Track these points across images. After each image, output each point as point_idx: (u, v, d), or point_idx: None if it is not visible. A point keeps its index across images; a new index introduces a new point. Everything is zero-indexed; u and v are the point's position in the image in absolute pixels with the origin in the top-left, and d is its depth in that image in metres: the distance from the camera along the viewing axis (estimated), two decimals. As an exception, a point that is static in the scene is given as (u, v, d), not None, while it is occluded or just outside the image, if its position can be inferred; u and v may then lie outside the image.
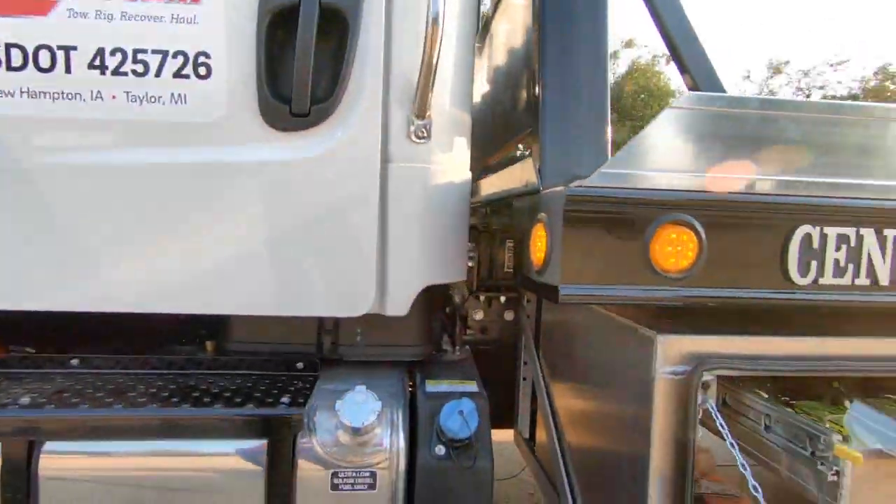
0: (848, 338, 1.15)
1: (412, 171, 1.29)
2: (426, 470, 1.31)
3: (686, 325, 1.16)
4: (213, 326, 1.64)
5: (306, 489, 1.28)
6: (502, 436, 3.57)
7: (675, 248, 1.01)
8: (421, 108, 1.24)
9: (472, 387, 1.53)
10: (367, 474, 1.28)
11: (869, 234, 1.04)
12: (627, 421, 1.23)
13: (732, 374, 1.11)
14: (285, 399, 1.32)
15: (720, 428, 1.10)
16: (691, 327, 1.13)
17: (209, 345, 1.62)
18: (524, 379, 2.24)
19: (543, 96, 1.22)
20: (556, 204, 1.02)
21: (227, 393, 1.36)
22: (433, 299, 1.70)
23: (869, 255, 1.04)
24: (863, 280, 1.05)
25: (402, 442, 1.33)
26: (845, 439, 0.92)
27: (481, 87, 2.67)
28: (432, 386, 1.49)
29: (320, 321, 1.52)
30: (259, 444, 1.27)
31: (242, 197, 1.27)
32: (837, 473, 0.89)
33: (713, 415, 1.12)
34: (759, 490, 1.07)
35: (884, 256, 1.04)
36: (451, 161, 1.38)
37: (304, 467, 1.28)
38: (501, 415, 2.44)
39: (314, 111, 1.23)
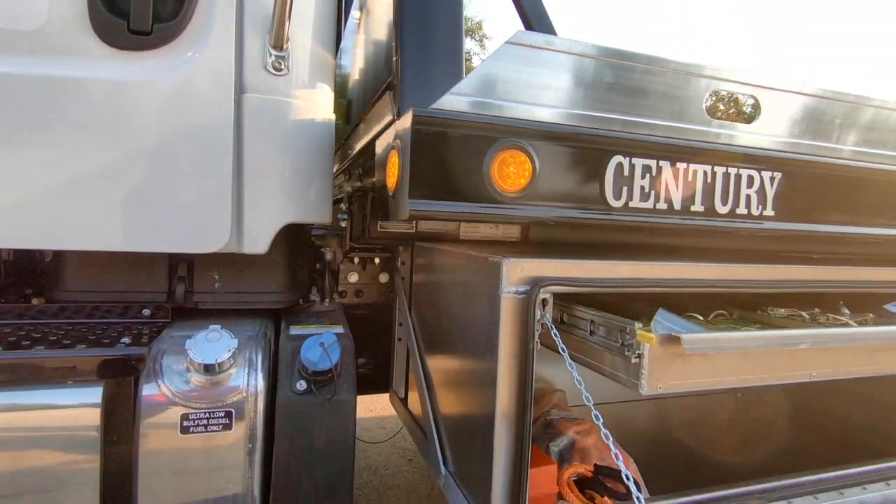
0: (658, 262, 1.37)
1: (269, 103, 1.27)
2: (286, 406, 1.30)
3: (529, 256, 1.30)
4: (44, 280, 1.45)
5: (151, 435, 1.19)
6: (389, 410, 3.61)
7: (512, 171, 1.12)
8: (278, 38, 1.22)
9: (339, 329, 1.54)
10: (222, 414, 1.23)
11: (666, 166, 1.24)
12: (481, 341, 1.33)
13: (564, 291, 1.26)
14: (125, 340, 1.22)
15: (554, 337, 1.24)
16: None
17: (36, 301, 1.43)
18: (399, 340, 2.29)
19: (400, 36, 1.28)
20: (405, 126, 1.08)
21: (57, 338, 1.22)
22: (299, 248, 1.68)
23: (666, 183, 1.25)
24: (661, 204, 1.25)
25: (260, 381, 1.30)
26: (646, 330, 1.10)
27: (360, 62, 2.69)
28: (296, 330, 1.48)
29: (171, 267, 1.43)
30: (95, 389, 1.16)
31: (78, 116, 1.14)
32: (639, 356, 1.06)
33: (550, 329, 1.26)
34: (591, 400, 1.23)
35: (677, 185, 1.26)
36: (313, 99, 1.38)
37: (149, 412, 1.20)
38: (380, 381, 2.48)
39: (157, 31, 1.16)
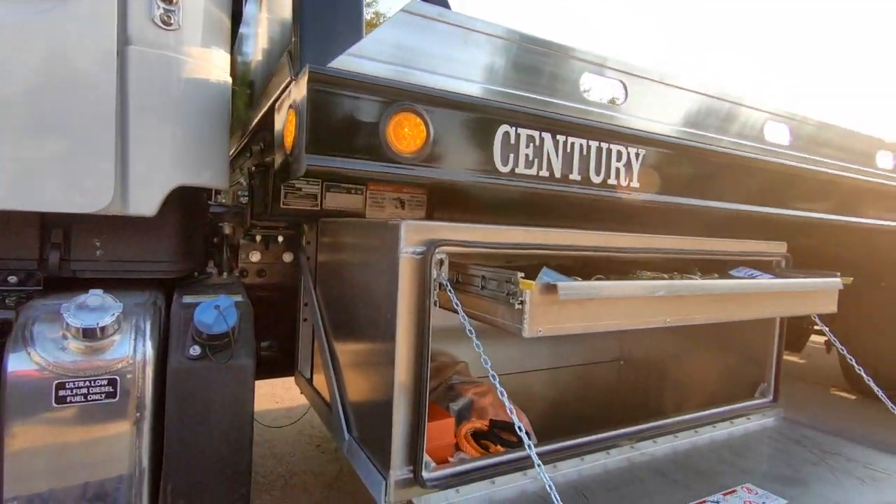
0: (543, 229, 1.51)
1: (157, 58, 1.22)
2: (178, 372, 1.26)
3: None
4: None
5: (20, 407, 1.10)
6: (295, 400, 3.52)
7: (408, 132, 1.18)
8: (166, -10, 1.18)
9: (238, 298, 1.51)
10: (105, 382, 1.17)
11: (548, 138, 1.38)
12: (382, 302, 1.39)
13: (458, 251, 1.35)
14: (-14, 305, 1.11)
15: (449, 294, 1.33)
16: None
17: None
18: (304, 320, 2.27)
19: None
20: (302, 85, 1.10)
21: None
22: (194, 216, 1.61)
23: (548, 153, 1.38)
24: (544, 172, 1.38)
25: (149, 349, 1.25)
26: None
27: (262, 42, 2.62)
28: (190, 299, 1.43)
29: (42, 233, 1.31)
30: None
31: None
32: (522, 303, 1.18)
33: (446, 287, 1.35)
34: (488, 362, 1.33)
35: (557, 155, 1.40)
36: (207, 59, 1.34)
37: (17, 384, 1.10)
38: (285, 364, 2.43)
39: (27, -31, 1.07)
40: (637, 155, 1.55)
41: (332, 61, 1.10)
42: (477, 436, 1.66)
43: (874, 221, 2.40)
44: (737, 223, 2.07)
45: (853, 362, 2.05)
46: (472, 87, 1.29)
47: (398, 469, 1.35)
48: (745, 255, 2.03)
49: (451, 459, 1.49)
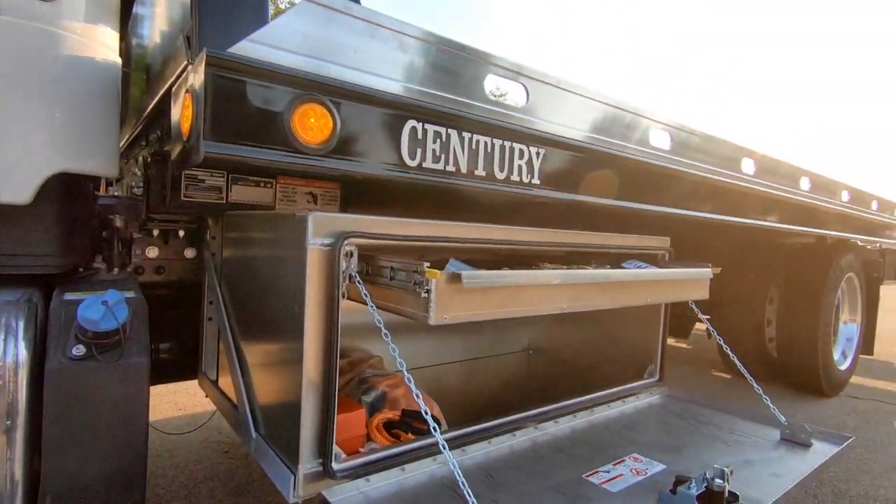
0: (450, 222, 1.57)
1: (27, 30, 1.12)
2: (57, 374, 1.15)
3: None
4: None
5: None
6: (200, 407, 3.31)
7: (314, 123, 1.18)
8: (41, -42, 1.08)
9: (130, 294, 1.41)
10: (-34, 388, 1.05)
11: (454, 134, 1.44)
12: (290, 295, 1.37)
13: (367, 243, 1.37)
14: None
15: (358, 285, 1.34)
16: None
17: None
18: (209, 319, 2.16)
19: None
20: (199, 68, 1.06)
21: None
22: (77, 207, 1.48)
23: (454, 149, 1.44)
24: (450, 167, 1.44)
25: (22, 350, 1.14)
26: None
27: (160, 26, 2.44)
28: (73, 296, 1.31)
29: None
30: None
31: None
32: (428, 291, 1.22)
33: (355, 278, 1.36)
34: (397, 350, 1.36)
35: (463, 151, 1.46)
36: (91, 36, 1.25)
37: None
38: (188, 366, 2.30)
39: None
40: (538, 154, 1.66)
41: (231, 46, 1.07)
42: (389, 426, 1.69)
43: (744, 220, 2.74)
44: (629, 220, 2.27)
45: (721, 342, 2.34)
46: (380, 82, 1.31)
47: (307, 463, 1.34)
48: (634, 248, 2.23)
49: (362, 450, 1.50)
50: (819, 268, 4.18)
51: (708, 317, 2.41)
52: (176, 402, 3.50)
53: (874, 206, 4.31)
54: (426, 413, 1.40)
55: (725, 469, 1.41)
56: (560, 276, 1.49)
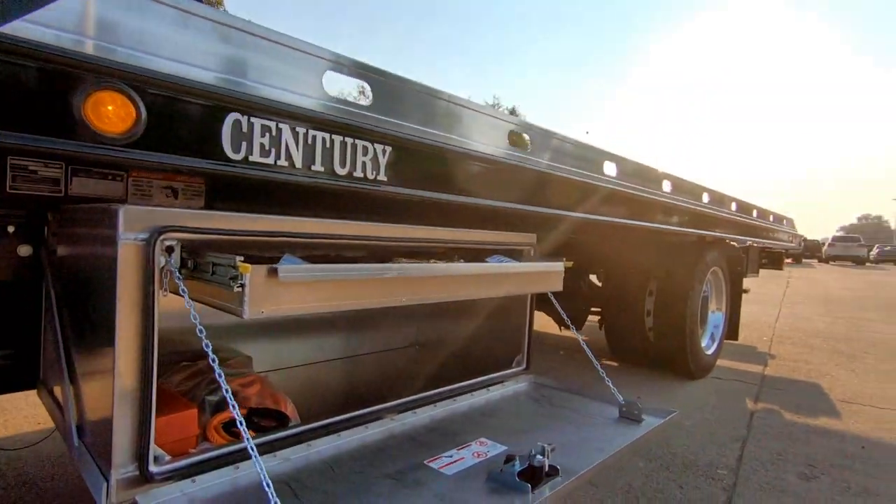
0: (292, 218, 1.57)
1: None
2: None
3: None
4: None
5: None
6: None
7: (112, 111, 1.13)
8: None
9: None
10: None
11: (286, 128, 1.44)
12: (104, 291, 1.30)
13: (191, 238, 1.34)
14: None
15: (177, 281, 1.31)
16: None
17: None
18: (50, 324, 2.00)
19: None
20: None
21: None
22: None
23: (286, 143, 1.44)
24: (283, 161, 1.44)
25: None
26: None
27: None
28: None
29: None
30: None
31: None
32: (242, 286, 1.21)
33: (174, 273, 1.32)
34: (210, 346, 1.32)
35: (297, 146, 1.47)
36: None
37: None
38: (25, 375, 2.11)
39: None
40: (384, 151, 1.70)
41: (3, 26, 1.01)
42: (232, 425, 1.66)
43: (607, 219, 2.96)
44: (494, 217, 2.38)
45: (575, 332, 2.51)
46: (199, 73, 1.28)
47: (122, 468, 1.28)
48: (499, 244, 2.35)
49: (192, 451, 1.46)
50: (687, 263, 4.62)
51: (560, 306, 2.58)
52: (36, 415, 3.20)
53: (733, 207, 4.83)
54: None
55: (546, 446, 1.52)
56: (395, 269, 1.54)
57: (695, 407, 4.01)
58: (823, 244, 39.13)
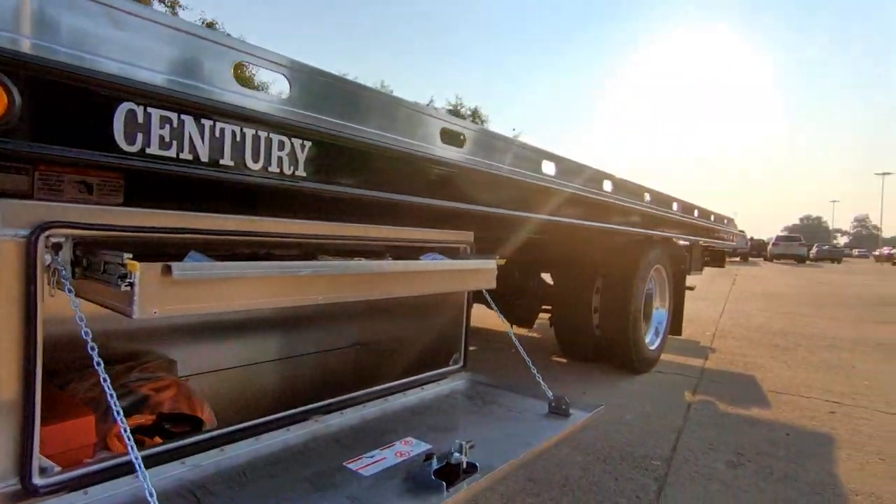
0: (205, 214, 1.51)
1: None
2: None
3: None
4: None
5: None
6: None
7: (-22, 98, 1.05)
8: None
9: None
10: None
11: (189, 120, 1.38)
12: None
13: (78, 234, 1.26)
14: None
15: (64, 280, 1.23)
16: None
17: None
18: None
19: None
20: None
21: None
22: None
23: (190, 135, 1.38)
24: (186, 154, 1.38)
25: None
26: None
27: None
28: None
29: None
30: None
31: None
32: (131, 284, 1.15)
33: (60, 272, 1.24)
34: (95, 349, 1.25)
35: (203, 139, 1.40)
36: None
37: None
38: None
39: None
40: (303, 146, 1.65)
41: None
42: (141, 430, 1.58)
43: (545, 217, 3.00)
44: (425, 214, 2.37)
45: (512, 335, 2.53)
46: (88, 59, 1.20)
47: (3, 481, 1.19)
48: (435, 242, 2.34)
49: (88, 461, 1.38)
50: (631, 261, 4.75)
51: (495, 304, 2.60)
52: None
53: (675, 206, 5.00)
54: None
55: (464, 443, 1.52)
56: (310, 268, 1.50)
57: (636, 400, 4.13)
58: (769, 243, 41.28)
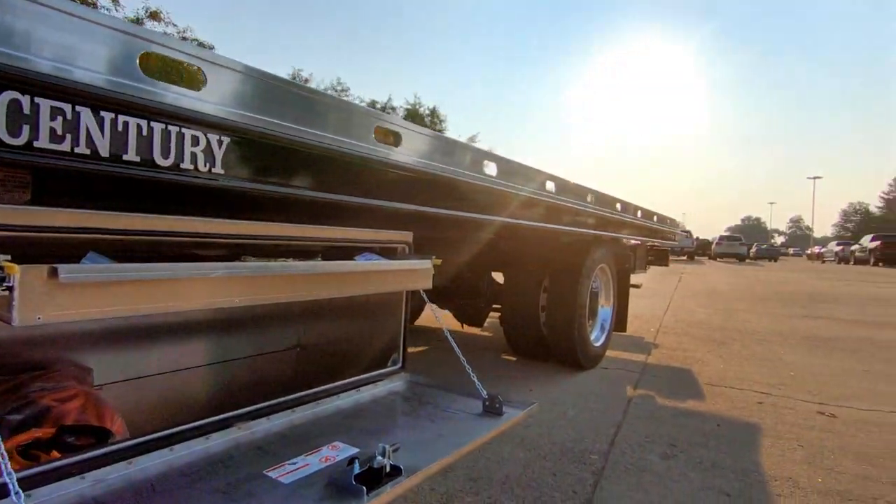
0: (104, 212, 1.41)
1: None
2: None
3: None
4: None
5: None
6: None
7: None
8: None
9: None
10: None
11: (86, 113, 1.29)
12: None
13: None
14: None
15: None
16: None
17: None
18: None
19: None
20: None
21: None
22: None
23: (87, 128, 1.29)
24: (83, 149, 1.29)
25: None
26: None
27: None
28: None
29: None
30: None
31: None
32: (10, 289, 1.06)
33: (-67, 275, 1.13)
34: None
35: (102, 132, 1.32)
36: None
37: None
38: None
39: None
40: (220, 142, 1.58)
41: None
42: (36, 446, 1.47)
43: (486, 216, 3.02)
44: (359, 213, 2.33)
45: (446, 333, 2.53)
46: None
47: None
48: (370, 242, 2.30)
49: (-30, 480, 1.27)
50: (576, 260, 4.86)
51: (431, 302, 2.59)
52: None
53: (618, 207, 5.15)
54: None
55: (388, 447, 1.50)
56: (224, 269, 1.44)
57: (580, 396, 4.23)
58: (713, 243, 43.39)
